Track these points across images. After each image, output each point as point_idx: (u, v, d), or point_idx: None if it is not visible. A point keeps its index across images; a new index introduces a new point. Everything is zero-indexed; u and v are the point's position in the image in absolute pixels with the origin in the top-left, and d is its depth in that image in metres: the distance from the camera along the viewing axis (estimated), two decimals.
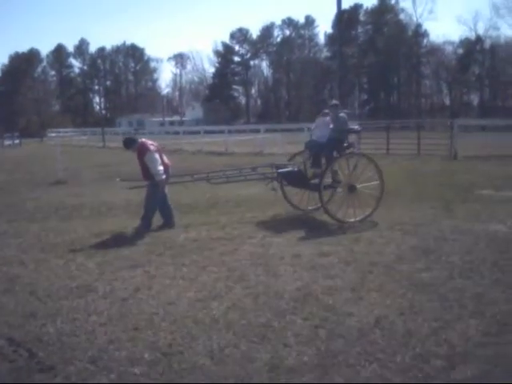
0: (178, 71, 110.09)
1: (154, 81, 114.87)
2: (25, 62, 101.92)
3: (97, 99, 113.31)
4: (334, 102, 10.69)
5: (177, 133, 45.47)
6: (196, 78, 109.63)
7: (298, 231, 8.31)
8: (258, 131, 35.40)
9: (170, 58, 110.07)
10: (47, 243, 7.92)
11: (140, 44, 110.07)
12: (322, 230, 8.39)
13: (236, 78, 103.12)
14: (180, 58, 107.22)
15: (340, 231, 8.32)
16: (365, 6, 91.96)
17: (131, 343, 4.41)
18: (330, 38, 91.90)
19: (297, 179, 9.66)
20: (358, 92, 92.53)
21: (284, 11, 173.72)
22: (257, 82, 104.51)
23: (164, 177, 8.56)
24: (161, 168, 8.51)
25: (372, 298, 5.31)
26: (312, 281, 5.82)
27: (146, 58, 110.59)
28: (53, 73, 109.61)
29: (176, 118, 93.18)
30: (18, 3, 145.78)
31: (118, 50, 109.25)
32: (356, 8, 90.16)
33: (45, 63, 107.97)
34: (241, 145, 29.42)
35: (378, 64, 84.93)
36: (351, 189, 9.13)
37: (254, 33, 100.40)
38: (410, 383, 3.74)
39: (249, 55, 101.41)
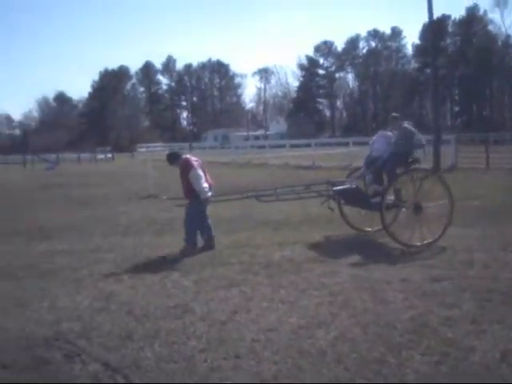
0: (263, 86, 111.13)
1: (239, 96, 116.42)
2: (115, 78, 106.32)
3: (184, 115, 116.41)
4: (394, 114, 9.85)
5: (262, 147, 45.47)
6: (280, 93, 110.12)
7: (399, 252, 7.78)
8: (344, 144, 34.74)
9: (254, 73, 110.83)
10: (142, 259, 7.83)
11: (225, 60, 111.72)
12: (426, 252, 7.77)
13: (321, 91, 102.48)
14: (264, 73, 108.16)
15: (450, 253, 7.63)
16: (453, 17, 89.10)
17: (234, 372, 4.09)
18: (418, 49, 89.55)
19: (355, 197, 8.89)
20: (449, 104, 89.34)
21: (369, 23, 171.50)
22: (342, 94, 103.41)
23: (209, 194, 8.22)
24: (206, 185, 8.14)
25: (495, 331, 4.72)
26: (426, 310, 5.28)
27: (230, 73, 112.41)
28: (142, 89, 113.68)
29: (260, 132, 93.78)
30: (106, 21, 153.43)
31: (203, 66, 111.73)
32: (444, 19, 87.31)
33: (134, 80, 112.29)
34: (327, 158, 28.89)
35: (468, 75, 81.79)
36: (417, 209, 8.33)
37: (339, 45, 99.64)
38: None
39: (334, 68, 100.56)
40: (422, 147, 9.57)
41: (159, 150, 63.57)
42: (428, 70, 68.13)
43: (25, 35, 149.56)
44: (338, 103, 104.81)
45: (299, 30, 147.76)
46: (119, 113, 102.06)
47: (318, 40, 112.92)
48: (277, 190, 9.11)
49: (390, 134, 9.31)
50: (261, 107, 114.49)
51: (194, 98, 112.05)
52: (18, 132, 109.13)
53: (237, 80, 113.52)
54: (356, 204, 9.04)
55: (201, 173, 8.16)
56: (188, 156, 8.62)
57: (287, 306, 5.52)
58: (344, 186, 8.91)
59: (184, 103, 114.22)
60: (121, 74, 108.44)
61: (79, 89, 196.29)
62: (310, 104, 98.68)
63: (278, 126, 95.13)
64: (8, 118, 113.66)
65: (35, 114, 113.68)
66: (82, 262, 7.75)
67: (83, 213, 13.30)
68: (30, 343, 4.70)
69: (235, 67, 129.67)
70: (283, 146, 40.11)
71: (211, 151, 53.89)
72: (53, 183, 23.18)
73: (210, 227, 8.45)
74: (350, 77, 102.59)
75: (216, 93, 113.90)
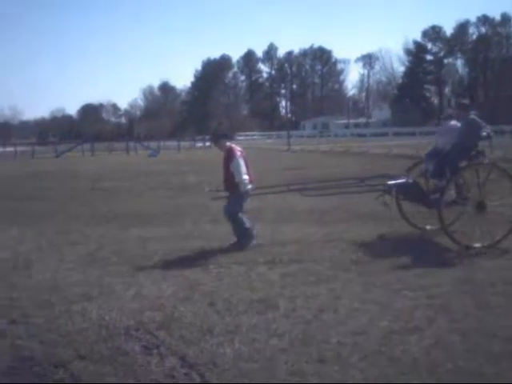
0: (366, 72, 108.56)
1: (341, 82, 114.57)
2: (217, 67, 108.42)
3: (283, 103, 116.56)
4: (463, 101, 8.90)
5: (363, 135, 44.37)
6: (384, 78, 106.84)
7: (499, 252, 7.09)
8: None
9: (357, 59, 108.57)
10: (229, 247, 7.67)
11: (327, 46, 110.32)
12: None
13: (428, 77, 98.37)
14: (368, 59, 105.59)
15: None
16: None
17: (316, 378, 3.77)
18: None
19: (413, 193, 8.21)
20: None
21: (478, 8, 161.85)
22: (451, 81, 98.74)
23: (250, 187, 7.74)
24: (247, 177, 7.67)
25: None
26: None
27: (333, 59, 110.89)
28: (243, 78, 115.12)
29: (361, 119, 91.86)
30: (209, 13, 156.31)
31: (305, 53, 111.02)
32: None
33: (235, 69, 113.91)
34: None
35: None
36: (480, 207, 7.54)
37: (448, 30, 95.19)
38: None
39: (442, 53, 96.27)
40: (489, 139, 8.42)
41: (256, 138, 64.11)
42: None
43: (132, 27, 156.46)
44: (447, 90, 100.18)
45: (404, 14, 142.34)
46: (220, 101, 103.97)
47: (424, 25, 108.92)
48: (327, 184, 8.64)
49: (455, 124, 8.54)
50: (363, 94, 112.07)
51: (294, 86, 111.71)
52: (123, 120, 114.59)
53: (339, 66, 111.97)
54: (414, 200, 8.37)
55: (243, 163, 7.73)
56: (233, 145, 8.20)
57: (379, 308, 5.10)
58: (400, 181, 8.21)
59: (284, 91, 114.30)
60: (223, 63, 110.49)
61: (183, 78, 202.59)
62: (416, 90, 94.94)
63: (381, 113, 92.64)
64: (114, 107, 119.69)
65: (140, 102, 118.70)
66: (172, 248, 7.73)
67: (180, 199, 13.49)
68: (110, 333, 4.65)
69: (338, 53, 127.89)
70: (385, 135, 38.87)
71: (309, 140, 53.39)
72: (153, 170, 23.89)
73: (245, 223, 7.83)
74: (460, 63, 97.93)
75: (317, 80, 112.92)
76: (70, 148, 49.03)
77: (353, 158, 28.19)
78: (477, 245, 7.25)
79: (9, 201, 14.20)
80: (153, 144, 51.10)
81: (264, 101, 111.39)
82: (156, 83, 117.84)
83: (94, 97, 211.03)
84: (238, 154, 7.81)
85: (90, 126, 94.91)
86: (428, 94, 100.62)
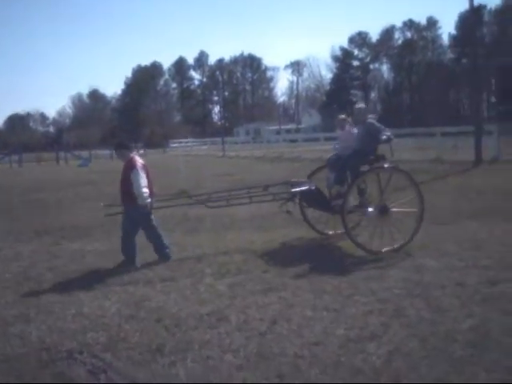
0: (295, 79, 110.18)
1: (271, 89, 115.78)
2: (148, 75, 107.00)
3: (215, 110, 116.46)
4: (359, 105, 8.96)
5: (294, 140, 44.83)
6: (312, 85, 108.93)
7: (449, 250, 7.15)
8: None
9: (286, 66, 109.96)
10: (173, 260, 7.37)
11: (257, 54, 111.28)
12: (481, 251, 7.12)
13: (355, 83, 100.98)
14: (297, 66, 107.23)
15: (503, 252, 6.99)
16: (488, 7, 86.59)
17: None
18: (455, 40, 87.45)
19: (316, 199, 8.18)
20: (486, 94, 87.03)
21: (404, 13, 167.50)
22: (377, 86, 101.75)
23: (149, 201, 7.28)
24: (146, 190, 7.23)
25: None
26: (487, 318, 4.70)
27: (263, 67, 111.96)
28: (174, 85, 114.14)
29: (292, 125, 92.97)
30: (139, 18, 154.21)
31: (235, 60, 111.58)
32: (479, 8, 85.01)
33: (167, 76, 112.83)
34: None
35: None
36: (383, 210, 7.62)
37: (374, 36, 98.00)
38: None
39: (368, 59, 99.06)
40: (389, 142, 8.22)
41: (190, 145, 63.53)
42: (464, 61, 66.33)
43: (60, 32, 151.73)
44: (373, 95, 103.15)
45: (333, 21, 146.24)
46: (152, 109, 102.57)
47: (352, 31, 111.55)
48: (231, 193, 8.49)
49: (354, 130, 8.56)
50: (293, 100, 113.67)
51: (226, 93, 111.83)
52: (51, 129, 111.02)
53: (269, 73, 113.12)
54: (317, 206, 8.36)
55: (144, 175, 7.27)
56: (136, 156, 7.77)
57: (333, 315, 5.00)
58: (303, 188, 8.13)
59: (216, 98, 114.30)
60: (154, 70, 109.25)
61: (113, 85, 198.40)
62: (343, 96, 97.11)
63: (311, 119, 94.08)
64: (42, 115, 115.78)
65: (69, 110, 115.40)
66: (111, 263, 7.35)
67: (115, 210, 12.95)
68: (52, 357, 4.30)
69: (268, 61, 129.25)
70: (317, 140, 39.42)
71: (243, 146, 53.45)
72: (85, 180, 23.07)
73: (160, 236, 7.49)
74: (385, 68, 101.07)
75: (248, 87, 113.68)
76: None
77: (286, 163, 28.35)
78: (385, 249, 7.27)
79: None
80: (84, 153, 49.57)
81: (196, 107, 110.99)
82: (85, 91, 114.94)
83: (21, 106, 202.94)
84: (139, 165, 7.36)
85: (17, 137, 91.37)
86: (355, 99, 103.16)
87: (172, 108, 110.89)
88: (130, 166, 7.34)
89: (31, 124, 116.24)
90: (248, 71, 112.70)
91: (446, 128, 31.47)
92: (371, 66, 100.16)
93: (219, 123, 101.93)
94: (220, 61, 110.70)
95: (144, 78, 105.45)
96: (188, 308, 5.33)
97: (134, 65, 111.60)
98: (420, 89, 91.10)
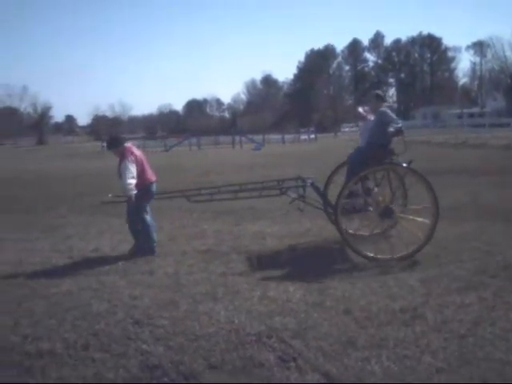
0: (478, 60, 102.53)
1: (451, 71, 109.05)
2: (320, 58, 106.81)
3: (390, 92, 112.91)
4: (376, 91, 7.75)
5: (479, 125, 41.57)
6: (496, 67, 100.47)
7: None
8: None
9: (468, 47, 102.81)
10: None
11: (436, 33, 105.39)
12: None
13: None
14: (479, 46, 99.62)
15: None
16: None
17: None
18: None
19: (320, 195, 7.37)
20: None
21: None
22: None
23: (133, 192, 7.13)
24: (131, 181, 7.12)
25: None
26: None
27: (442, 47, 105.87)
28: (347, 68, 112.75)
29: (475, 109, 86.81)
30: (313, 1, 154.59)
31: (413, 40, 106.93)
32: None
33: (340, 58, 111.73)
34: None
35: None
36: (385, 213, 6.69)
37: None
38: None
39: None
40: (398, 135, 7.13)
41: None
42: None
43: (234, 20, 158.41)
44: None
45: None
46: (324, 93, 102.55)
47: None
48: (241, 187, 7.97)
49: (371, 118, 7.61)
50: (475, 83, 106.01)
51: (402, 75, 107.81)
52: (227, 114, 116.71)
53: (449, 54, 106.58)
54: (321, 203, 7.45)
55: (132, 166, 7.18)
56: (131, 147, 7.59)
57: None
58: (295, 184, 7.63)
59: (391, 80, 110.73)
60: (327, 53, 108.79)
61: (285, 70, 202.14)
62: None
63: (496, 103, 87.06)
64: (218, 101, 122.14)
65: (243, 96, 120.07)
66: (292, 246, 7.28)
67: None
68: (241, 340, 4.26)
69: (448, 41, 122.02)
70: (506, 126, 36.18)
71: (420, 130, 51.03)
72: (258, 163, 23.63)
73: (148, 228, 7.47)
74: None
75: (426, 68, 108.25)
76: (178, 142, 50.34)
77: (469, 150, 26.46)
78: (385, 256, 6.39)
79: None
80: (257, 137, 51.25)
81: (370, 90, 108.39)
82: (258, 76, 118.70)
83: (199, 92, 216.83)
84: (130, 157, 7.28)
85: (194, 121, 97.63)
86: None
87: (344, 92, 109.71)
88: (121, 158, 7.34)
89: (207, 109, 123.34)
90: (426, 52, 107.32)
91: None
92: None
93: (395, 106, 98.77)
94: (396, 41, 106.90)
95: (317, 62, 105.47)
96: (378, 302, 5.00)
97: (307, 49, 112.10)
98: None
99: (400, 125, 7.12)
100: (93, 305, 5.22)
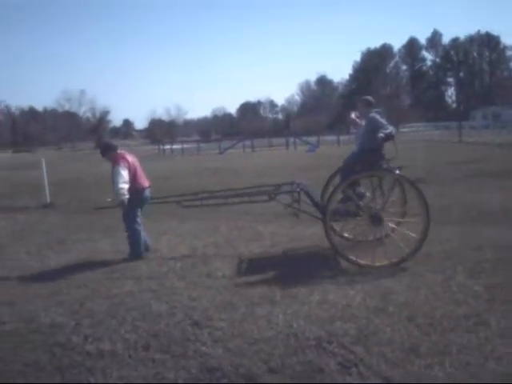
0: None
1: (511, 70, 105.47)
2: (377, 57, 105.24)
3: (449, 92, 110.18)
4: (365, 97, 7.44)
5: None
6: None
7: None
8: None
9: None
10: (423, 251, 6.68)
11: (495, 32, 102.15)
12: None
13: None
14: None
15: None
16: None
17: None
18: None
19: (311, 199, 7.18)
20: None
21: None
22: None
23: (126, 197, 7.23)
24: (124, 186, 7.22)
25: None
26: None
27: (501, 46, 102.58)
28: (404, 67, 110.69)
29: None
30: (370, 1, 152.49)
31: (471, 39, 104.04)
32: None
33: (397, 58, 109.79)
34: None
35: None
36: (375, 220, 6.55)
37: None
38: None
39: None
40: (387, 140, 6.86)
41: (421, 129, 60.91)
42: None
43: (289, 23, 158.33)
44: None
45: None
46: (380, 93, 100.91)
47: None
48: (229, 192, 7.86)
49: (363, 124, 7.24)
50: None
51: (461, 74, 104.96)
52: (280, 116, 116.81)
53: (508, 53, 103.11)
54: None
55: (124, 172, 7.29)
56: (124, 153, 7.63)
57: None
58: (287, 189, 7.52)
59: (450, 79, 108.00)
60: (383, 52, 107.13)
61: (340, 71, 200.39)
62: None
63: None
64: (272, 103, 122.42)
65: (297, 97, 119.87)
66: (351, 251, 7.17)
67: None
68: (301, 344, 4.23)
69: (506, 39, 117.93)
70: None
71: (481, 131, 49.43)
72: (312, 165, 23.40)
73: (138, 234, 7.56)
74: None
75: (485, 67, 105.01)
76: (232, 145, 50.70)
77: None
78: (375, 264, 6.25)
79: None
80: (311, 139, 50.90)
81: (428, 90, 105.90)
82: (313, 77, 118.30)
83: (253, 95, 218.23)
84: (123, 162, 7.39)
85: (248, 123, 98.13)
86: None
87: (401, 91, 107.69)
88: (113, 163, 7.47)
89: (261, 111, 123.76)
90: (485, 50, 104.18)
91: None
92: None
93: (453, 106, 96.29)
94: (454, 40, 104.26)
95: (373, 61, 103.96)
96: (441, 307, 4.86)
97: (362, 48, 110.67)
98: None
99: (390, 130, 7.01)
100: (152, 306, 5.31)
